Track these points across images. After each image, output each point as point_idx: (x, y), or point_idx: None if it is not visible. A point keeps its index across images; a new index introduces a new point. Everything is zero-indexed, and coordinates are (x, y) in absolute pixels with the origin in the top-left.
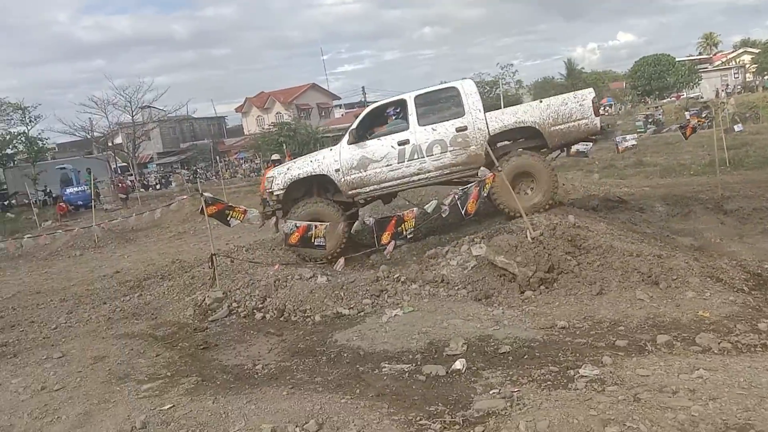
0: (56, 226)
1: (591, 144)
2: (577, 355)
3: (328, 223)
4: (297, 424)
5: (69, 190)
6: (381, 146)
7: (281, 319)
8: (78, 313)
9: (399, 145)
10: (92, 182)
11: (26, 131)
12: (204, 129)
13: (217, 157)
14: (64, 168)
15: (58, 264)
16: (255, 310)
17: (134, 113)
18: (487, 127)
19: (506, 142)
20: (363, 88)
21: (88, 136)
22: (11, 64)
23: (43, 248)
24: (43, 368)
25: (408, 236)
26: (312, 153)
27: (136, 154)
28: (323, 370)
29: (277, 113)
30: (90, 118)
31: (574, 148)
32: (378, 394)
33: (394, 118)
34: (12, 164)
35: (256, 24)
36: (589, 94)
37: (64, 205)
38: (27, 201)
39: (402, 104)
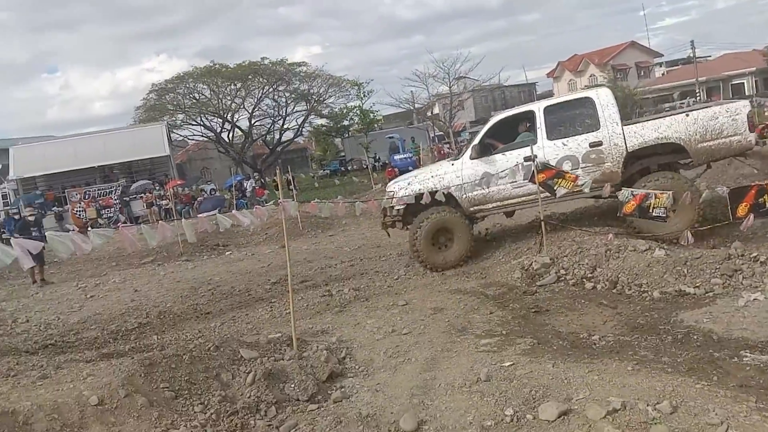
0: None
1: None
2: None
3: (669, 192)
4: (648, 403)
5: (396, 157)
6: (506, 162)
7: (613, 291)
8: (414, 267)
9: (525, 161)
10: (416, 150)
11: (360, 105)
12: (514, 96)
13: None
14: (392, 137)
15: None
16: (584, 279)
17: (450, 84)
18: (625, 143)
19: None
20: (692, 42)
21: (411, 108)
22: (346, 45)
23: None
24: (391, 313)
25: None
26: (434, 165)
27: (452, 123)
28: (670, 350)
29: (590, 76)
30: (412, 91)
31: None
32: (741, 385)
33: (528, 126)
34: (347, 134)
35: None
36: (743, 107)
37: (392, 170)
38: (361, 166)
39: (530, 116)
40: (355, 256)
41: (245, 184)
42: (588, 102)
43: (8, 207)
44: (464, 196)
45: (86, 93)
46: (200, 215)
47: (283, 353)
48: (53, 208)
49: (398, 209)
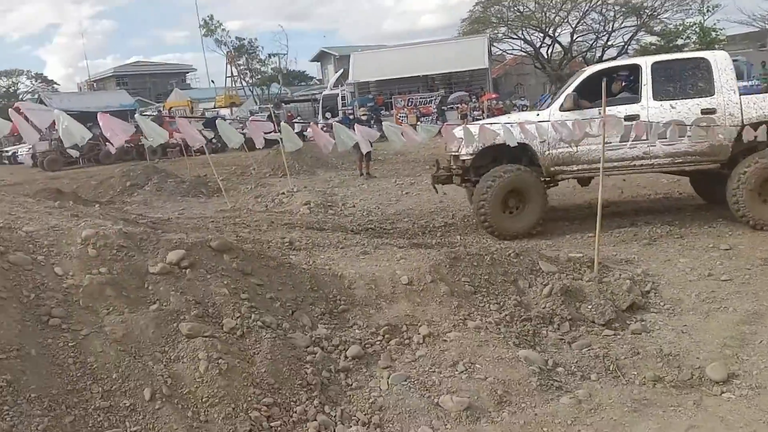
0: None
1: None
2: None
3: None
4: None
5: (739, 84)
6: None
7: None
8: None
9: (625, 120)
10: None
11: (701, 21)
12: None
13: None
14: (737, 60)
15: None
16: None
17: None
18: (742, 114)
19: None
20: None
21: (766, 27)
22: None
23: None
24: (709, 255)
25: None
26: (515, 115)
27: None
28: None
29: None
30: None
31: None
32: None
33: (623, 84)
34: None
35: None
36: None
37: None
38: None
39: (635, 70)
40: (672, 189)
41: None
42: (703, 63)
43: (345, 107)
44: (547, 152)
45: (417, 6)
46: None
47: (582, 274)
48: (382, 112)
49: (465, 160)
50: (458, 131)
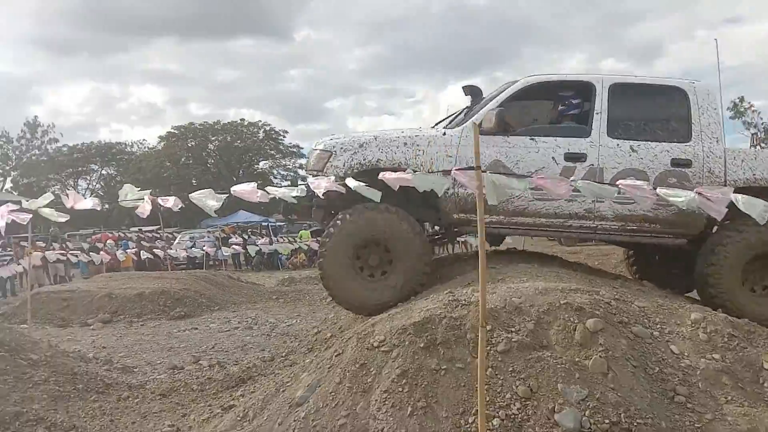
0: None
1: None
2: None
3: None
4: None
5: None
6: (534, 153)
7: None
8: None
9: (566, 159)
10: None
11: None
12: None
13: None
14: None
15: None
16: None
17: None
18: (725, 172)
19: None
20: None
21: None
22: None
23: None
24: None
25: None
26: (406, 129)
27: None
28: None
29: None
30: None
31: None
32: None
33: (566, 109)
34: None
35: None
36: None
37: None
38: None
39: (587, 91)
40: None
41: None
42: (678, 96)
43: None
44: (452, 191)
45: None
46: None
47: None
48: None
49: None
50: None
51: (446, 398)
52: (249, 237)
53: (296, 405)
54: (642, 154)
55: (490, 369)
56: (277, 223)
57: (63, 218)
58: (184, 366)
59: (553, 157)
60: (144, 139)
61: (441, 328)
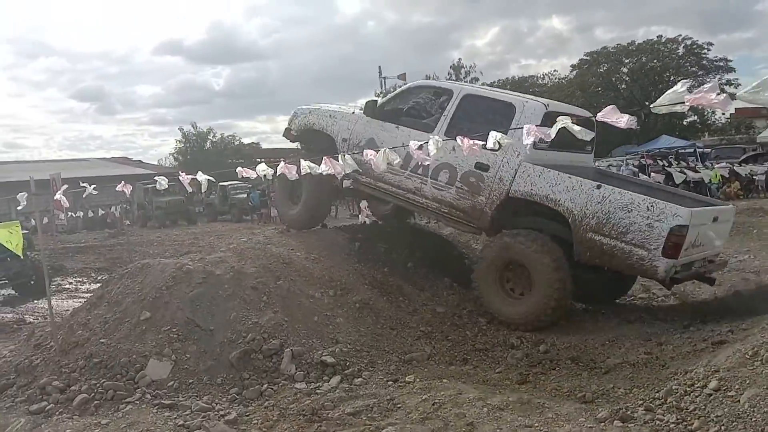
0: None
1: None
2: None
3: None
4: None
5: None
6: (394, 138)
7: None
8: None
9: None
10: None
11: None
12: None
13: None
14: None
15: None
16: None
17: None
18: (512, 182)
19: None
20: None
21: None
22: None
23: None
24: None
25: None
26: (342, 105)
27: None
28: None
29: None
30: None
31: None
32: None
33: (437, 107)
34: None
35: None
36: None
37: None
38: None
39: (445, 97)
40: None
41: None
42: (508, 111)
43: None
44: (345, 154)
45: None
46: None
47: None
48: None
49: (295, 134)
50: None
51: None
52: (672, 164)
53: None
54: (458, 154)
55: None
56: (705, 149)
57: None
58: None
59: (404, 143)
60: (555, 70)
61: None
